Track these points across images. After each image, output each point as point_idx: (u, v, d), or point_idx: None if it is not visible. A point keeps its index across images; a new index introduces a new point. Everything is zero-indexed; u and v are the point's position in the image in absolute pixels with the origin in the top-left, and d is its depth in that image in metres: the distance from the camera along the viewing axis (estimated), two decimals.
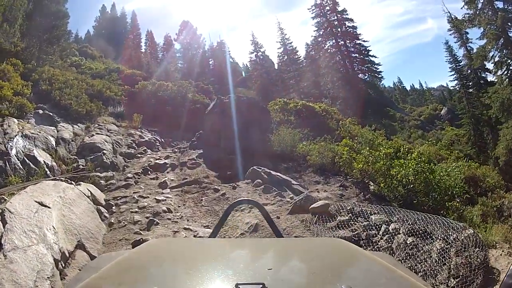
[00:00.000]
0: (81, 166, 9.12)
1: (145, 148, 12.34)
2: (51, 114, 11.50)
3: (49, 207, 5.31)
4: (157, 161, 10.74)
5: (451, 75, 33.62)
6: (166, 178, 9.16)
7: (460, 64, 32.68)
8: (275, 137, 11.56)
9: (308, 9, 40.35)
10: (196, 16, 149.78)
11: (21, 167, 7.55)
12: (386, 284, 0.91)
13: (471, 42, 29.15)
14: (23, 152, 8.00)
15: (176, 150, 12.68)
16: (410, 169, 7.12)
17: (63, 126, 11.02)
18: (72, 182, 7.12)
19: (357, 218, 5.90)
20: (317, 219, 6.06)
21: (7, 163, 7.34)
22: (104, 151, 10.20)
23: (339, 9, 39.27)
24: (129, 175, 9.35)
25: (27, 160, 7.79)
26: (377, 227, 5.52)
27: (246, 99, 15.02)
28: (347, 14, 39.51)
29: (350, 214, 6.04)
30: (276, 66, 48.63)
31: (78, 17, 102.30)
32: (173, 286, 0.88)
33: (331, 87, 37.71)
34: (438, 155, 15.27)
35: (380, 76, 40.01)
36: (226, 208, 1.92)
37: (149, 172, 9.75)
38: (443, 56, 35.54)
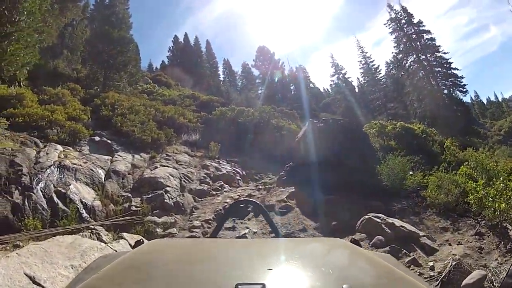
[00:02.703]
0: (133, 207, 7.17)
1: (222, 183, 10.48)
2: (109, 141, 10.31)
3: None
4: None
5: None
6: (247, 231, 6.71)
7: None
8: (383, 168, 9.49)
9: (384, 24, 41.42)
10: (271, 41, 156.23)
11: (45, 206, 5.72)
12: (387, 284, 0.91)
13: None
14: (54, 187, 6.24)
15: (260, 187, 10.41)
16: None
17: (120, 156, 9.48)
18: (102, 238, 4.95)
19: None
20: None
21: (25, 200, 5.56)
22: (167, 188, 8.31)
23: (415, 21, 39.54)
24: (196, 222, 7.08)
25: (55, 198, 5.97)
26: None
27: (344, 123, 12.90)
28: (423, 26, 39.50)
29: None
30: (356, 89, 48.86)
31: (153, 48, 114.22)
32: (173, 286, 0.85)
33: (418, 106, 37.62)
34: None
35: (465, 90, 38.53)
36: (226, 208, 2.81)
37: None
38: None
